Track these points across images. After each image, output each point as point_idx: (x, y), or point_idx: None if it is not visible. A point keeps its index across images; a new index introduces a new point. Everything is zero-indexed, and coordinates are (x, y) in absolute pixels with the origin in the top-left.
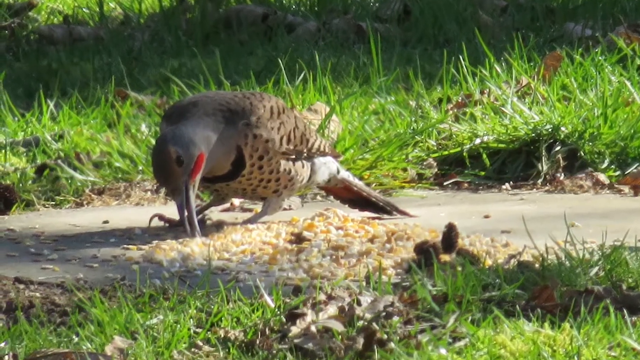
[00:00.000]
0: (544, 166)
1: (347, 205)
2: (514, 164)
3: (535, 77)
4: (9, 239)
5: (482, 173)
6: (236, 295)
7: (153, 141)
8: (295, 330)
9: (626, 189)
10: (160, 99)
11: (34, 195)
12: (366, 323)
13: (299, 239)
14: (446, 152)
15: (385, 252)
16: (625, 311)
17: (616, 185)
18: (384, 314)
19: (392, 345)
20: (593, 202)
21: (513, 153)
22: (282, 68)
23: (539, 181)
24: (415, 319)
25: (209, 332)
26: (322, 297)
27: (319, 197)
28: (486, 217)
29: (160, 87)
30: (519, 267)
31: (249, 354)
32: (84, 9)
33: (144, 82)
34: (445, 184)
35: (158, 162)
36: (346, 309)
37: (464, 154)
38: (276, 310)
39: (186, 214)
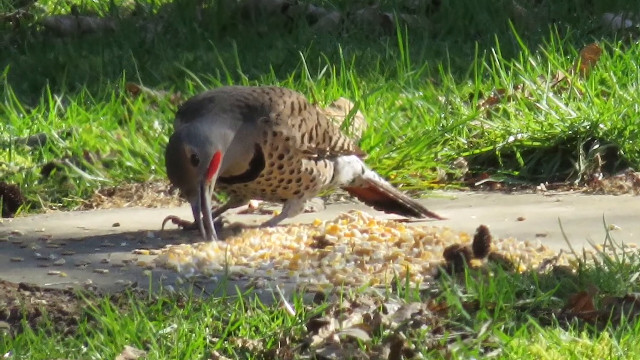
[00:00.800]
0: (581, 165)
1: (372, 207)
2: (549, 164)
3: (572, 71)
4: (14, 242)
5: (516, 173)
6: (255, 303)
7: (166, 139)
8: (317, 339)
9: None
10: (174, 94)
11: (40, 196)
12: (393, 332)
13: (321, 242)
14: (477, 151)
15: (413, 257)
16: None
17: None
18: (411, 322)
19: (420, 355)
20: (634, 204)
21: (548, 152)
22: (304, 61)
23: (576, 181)
24: (445, 328)
25: (225, 342)
26: (346, 304)
27: (342, 199)
28: (520, 219)
29: (174, 82)
30: (555, 273)
31: None
32: None
33: (156, 77)
34: (476, 184)
35: (172, 161)
36: (371, 317)
37: (497, 152)
38: (297, 318)
39: (202, 216)
